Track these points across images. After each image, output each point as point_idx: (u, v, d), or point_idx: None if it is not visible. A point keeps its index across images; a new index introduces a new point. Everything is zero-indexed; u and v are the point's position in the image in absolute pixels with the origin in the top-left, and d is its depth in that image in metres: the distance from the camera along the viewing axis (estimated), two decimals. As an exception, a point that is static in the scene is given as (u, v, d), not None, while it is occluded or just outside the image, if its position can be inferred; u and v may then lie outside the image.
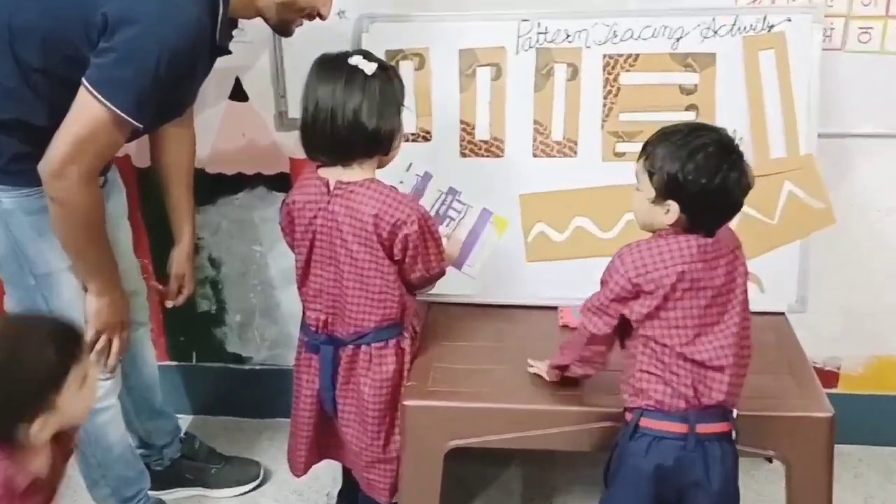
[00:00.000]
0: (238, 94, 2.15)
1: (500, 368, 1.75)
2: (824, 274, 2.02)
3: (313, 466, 1.89)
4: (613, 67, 1.92)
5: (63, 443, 1.35)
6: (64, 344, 1.25)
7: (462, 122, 1.97)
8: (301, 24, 1.70)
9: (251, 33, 1.94)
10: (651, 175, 1.40)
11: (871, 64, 1.95)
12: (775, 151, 1.90)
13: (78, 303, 1.69)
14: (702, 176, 1.35)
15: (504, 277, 1.99)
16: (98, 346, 1.72)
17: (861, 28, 1.94)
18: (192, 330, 2.42)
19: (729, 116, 1.89)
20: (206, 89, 1.80)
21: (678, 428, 1.42)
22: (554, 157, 1.96)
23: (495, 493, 2.18)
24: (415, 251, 1.64)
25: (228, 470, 2.20)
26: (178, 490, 2.16)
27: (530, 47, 1.93)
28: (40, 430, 1.21)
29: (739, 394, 1.46)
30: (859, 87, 1.97)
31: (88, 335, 1.70)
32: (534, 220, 1.97)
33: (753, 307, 1.88)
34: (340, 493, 2.07)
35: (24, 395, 1.20)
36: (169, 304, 2.06)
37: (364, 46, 1.88)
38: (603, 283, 1.47)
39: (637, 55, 1.91)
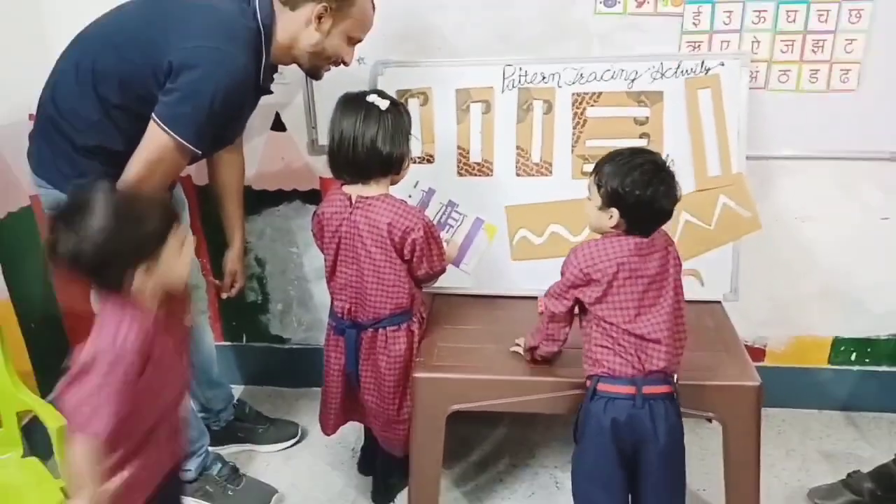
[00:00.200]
0: (278, 125, 2.14)
1: (491, 347, 1.75)
2: (753, 270, 2.01)
3: (340, 427, 1.88)
4: (581, 103, 1.91)
5: (176, 316, 1.31)
6: (167, 211, 1.24)
7: (459, 147, 1.96)
8: (329, 70, 1.70)
9: (288, 76, 1.94)
10: (599, 187, 1.43)
11: (789, 100, 1.95)
12: (712, 171, 1.89)
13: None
14: (637, 188, 1.38)
15: (494, 273, 1.98)
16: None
17: (781, 70, 1.93)
18: (242, 316, 2.41)
19: (674, 142, 1.89)
20: (252, 122, 1.80)
21: (627, 390, 1.43)
22: (533, 175, 1.95)
23: (488, 448, 2.16)
24: (421, 252, 1.64)
25: (272, 430, 2.19)
26: (232, 446, 2.15)
27: (513, 87, 1.92)
28: (145, 276, 1.18)
29: (678, 362, 1.47)
30: (780, 119, 1.96)
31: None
32: (517, 226, 1.96)
33: (695, 297, 1.90)
34: (363, 448, 2.06)
35: (137, 243, 1.17)
36: (224, 295, 2.05)
37: (379, 87, 1.88)
38: (561, 273, 1.50)
39: (600, 93, 1.90)
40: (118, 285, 1.18)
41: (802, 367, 2.25)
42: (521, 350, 1.68)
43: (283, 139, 2.15)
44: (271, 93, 1.70)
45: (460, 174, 1.97)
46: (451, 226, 1.98)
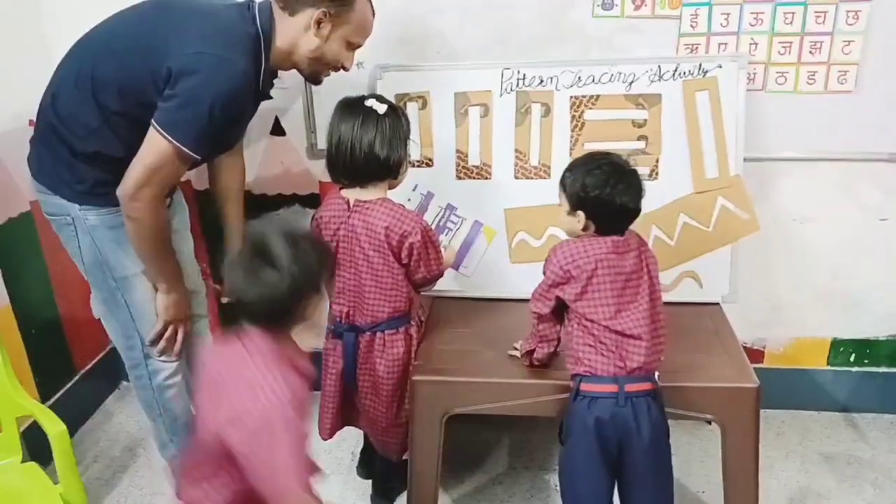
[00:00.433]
0: (277, 130, 2.15)
1: (489, 351, 1.75)
2: (751, 271, 2.02)
3: (341, 430, 1.88)
4: (579, 106, 1.92)
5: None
6: (324, 244, 1.32)
7: (457, 151, 1.97)
8: (328, 75, 1.70)
9: (288, 81, 1.93)
10: (564, 193, 1.50)
11: (787, 101, 1.95)
12: (710, 173, 1.90)
13: (150, 300, 1.69)
14: (596, 189, 1.44)
15: (493, 276, 1.99)
16: (167, 334, 1.72)
17: (778, 72, 1.93)
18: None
19: (672, 145, 1.90)
20: (252, 126, 1.80)
21: (610, 388, 1.45)
22: (532, 178, 1.96)
23: (487, 451, 2.17)
24: (418, 256, 1.64)
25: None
26: (232, 450, 2.15)
27: (512, 90, 1.93)
28: (314, 307, 1.21)
29: (659, 359, 1.49)
30: (777, 121, 1.97)
31: (158, 327, 1.70)
32: (516, 229, 1.97)
33: (694, 298, 1.91)
34: (362, 451, 2.06)
35: (315, 269, 1.19)
36: (224, 300, 2.04)
37: (378, 91, 1.89)
38: (543, 273, 1.53)
39: (598, 96, 1.91)
40: (289, 325, 1.20)
41: (801, 368, 2.25)
42: (518, 354, 1.69)
43: (283, 144, 2.16)
44: (271, 98, 1.71)
45: (459, 177, 1.98)
46: (451, 229, 1.99)
